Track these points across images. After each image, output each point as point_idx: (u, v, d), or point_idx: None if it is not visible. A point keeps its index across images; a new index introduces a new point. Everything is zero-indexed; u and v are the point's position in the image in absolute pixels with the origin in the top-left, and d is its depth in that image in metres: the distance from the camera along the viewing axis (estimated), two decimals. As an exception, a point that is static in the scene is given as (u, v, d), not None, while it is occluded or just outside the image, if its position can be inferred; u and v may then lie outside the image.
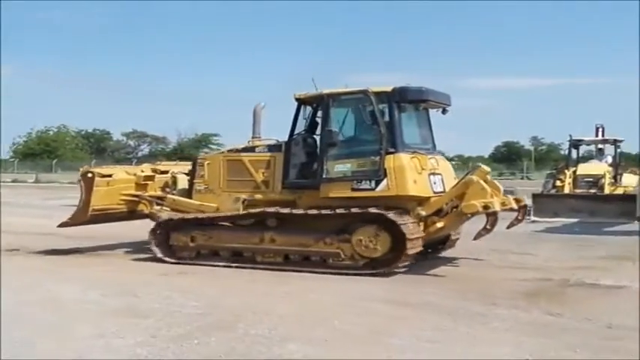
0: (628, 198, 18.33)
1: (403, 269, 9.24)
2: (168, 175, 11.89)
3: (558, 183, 19.71)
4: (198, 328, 6.39)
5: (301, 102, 10.26)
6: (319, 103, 10.19)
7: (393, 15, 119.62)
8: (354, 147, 10.02)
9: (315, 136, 10.38)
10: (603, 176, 19.29)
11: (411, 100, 10.00)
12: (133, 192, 11.49)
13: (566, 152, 22.57)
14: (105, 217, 11.40)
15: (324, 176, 9.68)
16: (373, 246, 9.28)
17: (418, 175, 9.49)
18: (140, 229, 11.47)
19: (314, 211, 9.53)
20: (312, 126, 10.38)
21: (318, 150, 10.24)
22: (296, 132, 10.20)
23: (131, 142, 79.60)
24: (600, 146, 22.08)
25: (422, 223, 9.49)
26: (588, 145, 23.01)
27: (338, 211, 9.41)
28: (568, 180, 19.02)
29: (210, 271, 9.75)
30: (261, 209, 9.90)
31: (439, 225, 9.67)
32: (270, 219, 9.89)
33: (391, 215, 9.10)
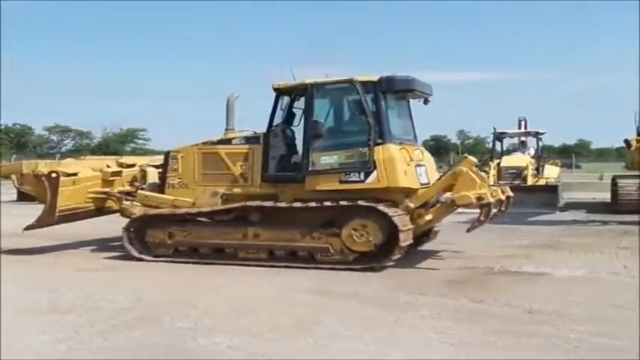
0: (550, 189, 19.06)
1: (393, 263, 9.10)
2: (136, 168, 11.60)
3: (483, 175, 20.16)
4: (124, 322, 6.34)
5: (280, 92, 9.99)
6: (302, 93, 9.89)
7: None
8: (341, 138, 9.79)
9: (292, 128, 10.24)
10: (526, 168, 19.93)
11: (397, 89, 9.77)
12: (101, 189, 11.08)
13: (491, 145, 23.12)
14: (73, 216, 10.90)
15: (310, 169, 9.44)
16: (364, 240, 9.08)
17: (407, 166, 9.38)
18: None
19: (300, 205, 9.32)
20: (289, 117, 10.18)
21: (297, 142, 10.11)
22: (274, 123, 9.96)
23: (54, 137, 77.45)
24: (523, 139, 22.75)
25: (409, 216, 9.31)
26: (512, 137, 23.65)
27: (326, 204, 9.21)
28: (492, 172, 19.43)
29: (141, 266, 9.64)
30: (243, 203, 9.64)
31: (427, 217, 9.54)
32: (253, 213, 9.65)
33: (383, 207, 8.97)
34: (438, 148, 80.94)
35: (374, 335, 5.90)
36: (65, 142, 76.73)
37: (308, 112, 9.66)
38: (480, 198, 9.32)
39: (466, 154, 10.45)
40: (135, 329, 6.09)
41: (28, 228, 10.63)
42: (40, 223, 10.57)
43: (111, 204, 11.18)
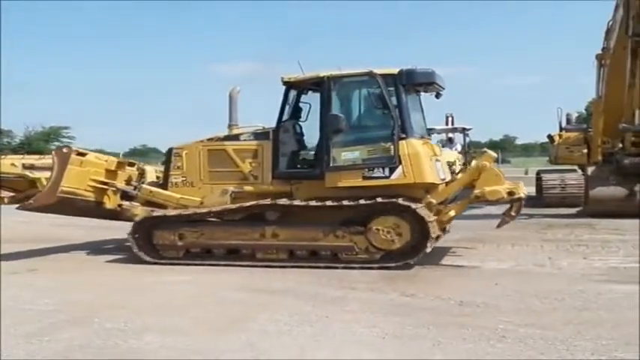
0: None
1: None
2: (134, 169, 11.09)
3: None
4: (51, 324, 6.21)
5: (290, 86, 9.66)
6: (317, 86, 9.62)
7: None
8: (361, 133, 9.50)
9: (300, 123, 10.01)
10: (454, 163, 20.29)
11: (419, 82, 9.49)
12: (103, 179, 10.37)
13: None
14: (69, 203, 10.01)
15: (330, 165, 9.15)
16: (392, 237, 8.87)
17: (430, 161, 9.26)
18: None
19: (331, 203, 8.98)
20: (296, 111, 9.92)
21: (305, 137, 9.94)
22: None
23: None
24: (450, 135, 23.17)
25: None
26: (439, 133, 24.04)
27: (357, 202, 8.90)
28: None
29: (62, 267, 9.48)
30: (265, 202, 9.30)
31: (452, 213, 9.44)
32: (270, 212, 9.36)
33: (414, 205, 8.80)
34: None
35: (304, 331, 5.93)
36: (-17, 141, 73.91)
37: (325, 106, 9.34)
38: (511, 193, 9.27)
39: (485, 149, 10.24)
40: (63, 331, 5.96)
41: (22, 207, 10.01)
42: (37, 202, 9.86)
43: (106, 199, 10.46)
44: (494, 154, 9.80)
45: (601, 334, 5.65)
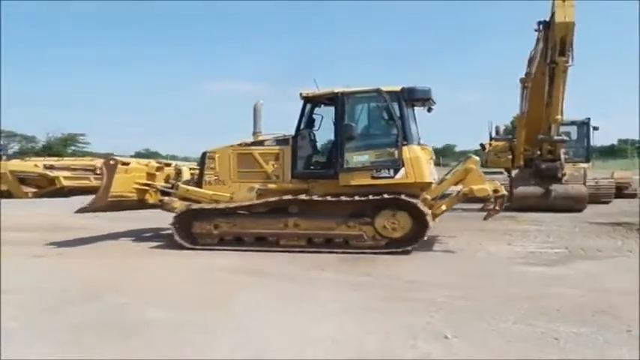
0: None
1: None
2: (171, 168, 11.07)
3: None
4: (65, 300, 6.16)
5: (307, 100, 9.69)
6: (330, 100, 9.63)
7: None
8: (370, 139, 9.50)
9: (314, 131, 10.04)
10: None
11: (417, 98, 9.58)
12: (145, 181, 10.48)
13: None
14: (118, 204, 10.25)
15: (344, 166, 9.21)
16: (396, 227, 9.03)
17: (427, 163, 9.37)
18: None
19: (346, 198, 9.04)
20: (310, 122, 9.91)
21: (317, 143, 10.03)
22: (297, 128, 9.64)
23: (1, 141, 73.12)
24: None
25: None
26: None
27: (370, 197, 8.99)
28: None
29: (86, 252, 9.39)
30: (282, 197, 9.32)
31: (443, 207, 9.62)
32: (293, 206, 9.39)
33: (414, 200, 8.99)
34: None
35: (283, 305, 5.97)
36: (11, 145, 72.59)
37: (340, 117, 9.37)
38: (495, 190, 9.53)
39: (470, 154, 10.35)
40: (77, 306, 5.92)
41: (80, 210, 10.03)
42: (91, 206, 9.93)
43: (148, 197, 10.56)
44: (478, 159, 9.97)
45: (521, 306, 5.77)
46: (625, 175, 21.23)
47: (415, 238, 8.99)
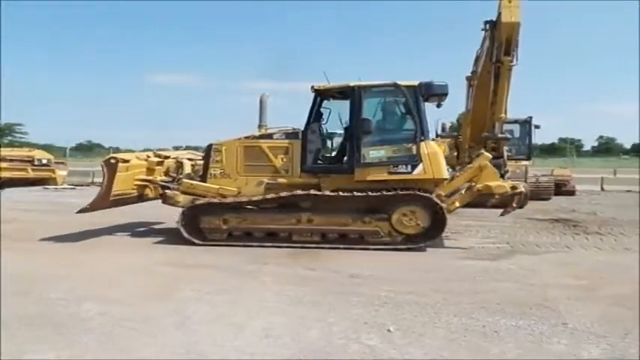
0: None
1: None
2: (171, 160, 10.65)
3: None
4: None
5: (319, 93, 9.44)
6: (342, 94, 9.49)
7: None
8: (386, 135, 9.31)
9: (322, 125, 9.78)
10: None
11: (434, 93, 9.32)
12: (146, 177, 10.15)
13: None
14: (120, 201, 9.92)
15: (361, 161, 9.01)
16: (412, 223, 8.94)
17: (443, 159, 9.23)
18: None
19: (361, 193, 8.86)
20: (319, 115, 9.65)
21: (327, 137, 9.80)
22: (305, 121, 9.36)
23: None
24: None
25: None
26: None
27: (387, 192, 8.83)
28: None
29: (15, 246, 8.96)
30: (297, 192, 9.04)
31: (457, 204, 9.46)
32: (305, 201, 9.13)
33: (431, 196, 8.90)
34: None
35: (223, 299, 5.89)
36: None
37: (356, 111, 9.12)
38: (514, 187, 9.47)
39: (482, 150, 10.24)
40: (3, 300, 5.68)
41: (81, 211, 9.62)
42: (93, 206, 9.61)
43: (148, 192, 10.22)
44: (490, 155, 9.96)
45: (462, 299, 5.88)
46: (564, 172, 21.96)
47: (431, 234, 8.98)
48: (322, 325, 5.01)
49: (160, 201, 10.15)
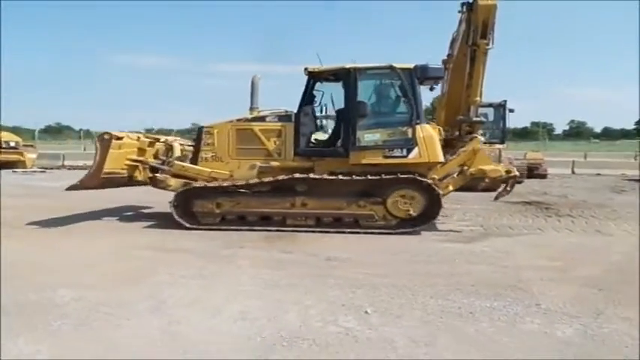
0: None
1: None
2: (161, 143, 10.42)
3: None
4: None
5: (313, 75, 9.31)
6: (336, 76, 9.42)
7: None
8: (382, 117, 9.30)
9: (315, 107, 9.72)
10: None
11: (430, 77, 9.35)
12: (137, 157, 9.89)
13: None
14: (110, 181, 9.64)
15: (356, 145, 8.97)
16: (408, 207, 8.95)
17: (439, 143, 9.18)
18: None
19: (354, 177, 8.88)
20: (311, 98, 9.55)
21: (319, 120, 9.73)
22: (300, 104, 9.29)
23: None
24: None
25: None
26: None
27: (383, 176, 8.83)
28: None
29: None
30: (286, 175, 9.03)
31: (450, 187, 9.50)
32: (300, 184, 9.08)
33: (426, 179, 8.91)
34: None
35: (200, 283, 5.87)
36: None
37: (351, 93, 9.06)
38: (508, 171, 9.58)
39: (475, 135, 10.24)
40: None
41: (70, 188, 9.43)
42: (83, 183, 9.41)
43: (137, 174, 9.96)
44: (482, 139, 10.03)
45: (438, 282, 5.94)
46: (536, 156, 22.29)
47: (426, 218, 9.01)
48: (299, 307, 5.02)
49: (142, 190, 10.04)
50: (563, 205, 12.33)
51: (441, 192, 9.01)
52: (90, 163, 9.78)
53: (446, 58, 17.15)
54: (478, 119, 16.29)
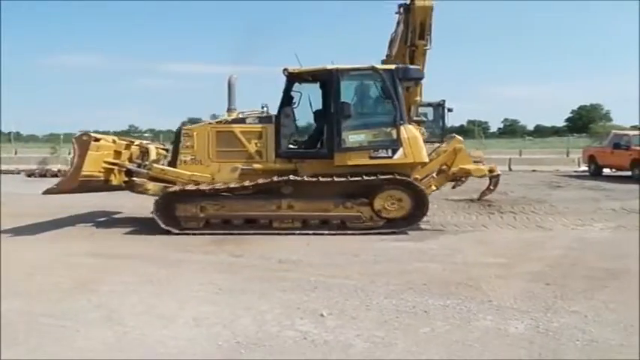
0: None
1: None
2: (136, 147, 10.01)
3: None
4: None
5: (293, 77, 9.17)
6: (315, 78, 9.34)
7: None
8: (365, 119, 9.29)
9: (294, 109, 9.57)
10: None
11: (411, 77, 9.46)
12: (114, 160, 9.41)
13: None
14: (86, 185, 9.10)
15: (342, 146, 8.92)
16: (395, 207, 8.93)
17: (423, 143, 9.20)
18: None
19: (342, 179, 8.83)
20: (290, 99, 9.38)
21: (299, 121, 9.77)
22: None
23: None
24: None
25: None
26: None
27: (368, 177, 8.80)
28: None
29: None
30: (271, 178, 8.91)
31: (433, 187, 9.59)
32: (286, 187, 8.97)
33: (413, 180, 9.00)
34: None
35: (149, 289, 5.73)
36: None
37: (334, 95, 8.99)
38: (491, 170, 9.86)
39: (454, 134, 10.37)
40: None
41: (47, 192, 8.89)
42: (60, 186, 8.99)
43: (112, 178, 9.45)
44: (461, 138, 10.24)
45: (390, 281, 6.00)
46: (477, 154, 22.80)
47: (413, 217, 9.04)
48: (254, 312, 4.97)
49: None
50: (504, 202, 12.67)
51: (426, 191, 9.15)
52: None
53: (385, 58, 17.38)
54: (419, 119, 16.57)
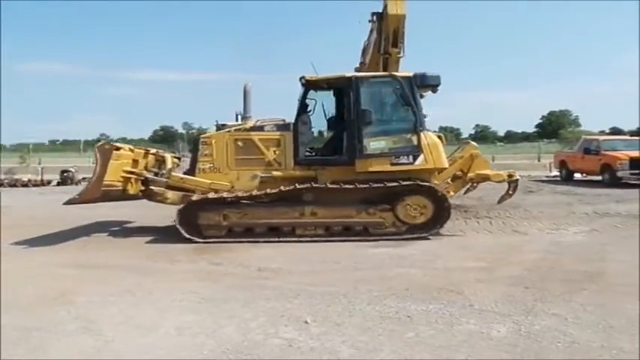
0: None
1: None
2: (152, 156, 9.90)
3: None
4: None
5: (310, 84, 9.29)
6: (341, 85, 9.39)
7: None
8: (385, 125, 9.35)
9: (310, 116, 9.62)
10: None
11: (429, 84, 9.42)
12: (132, 169, 9.27)
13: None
14: (107, 194, 8.96)
15: (363, 153, 9.03)
16: (417, 213, 9.02)
17: (443, 150, 9.29)
18: None
19: (364, 185, 8.93)
20: (305, 107, 9.42)
21: (315, 129, 9.83)
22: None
23: None
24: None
25: None
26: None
27: (390, 184, 8.91)
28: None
29: None
30: (294, 185, 8.98)
31: (452, 192, 9.65)
32: (307, 194, 9.05)
33: (435, 186, 9.09)
34: (166, 136, 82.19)
35: (131, 300, 5.67)
36: None
37: (354, 102, 9.10)
38: (510, 175, 9.96)
39: (469, 140, 10.46)
40: None
41: (69, 202, 8.69)
42: (82, 197, 8.84)
43: (129, 188, 9.27)
44: (476, 145, 10.50)
45: (372, 287, 6.02)
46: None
47: (435, 223, 9.10)
48: (238, 321, 4.95)
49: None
50: (480, 207, 12.80)
51: (447, 197, 9.32)
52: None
53: (358, 66, 17.51)
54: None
